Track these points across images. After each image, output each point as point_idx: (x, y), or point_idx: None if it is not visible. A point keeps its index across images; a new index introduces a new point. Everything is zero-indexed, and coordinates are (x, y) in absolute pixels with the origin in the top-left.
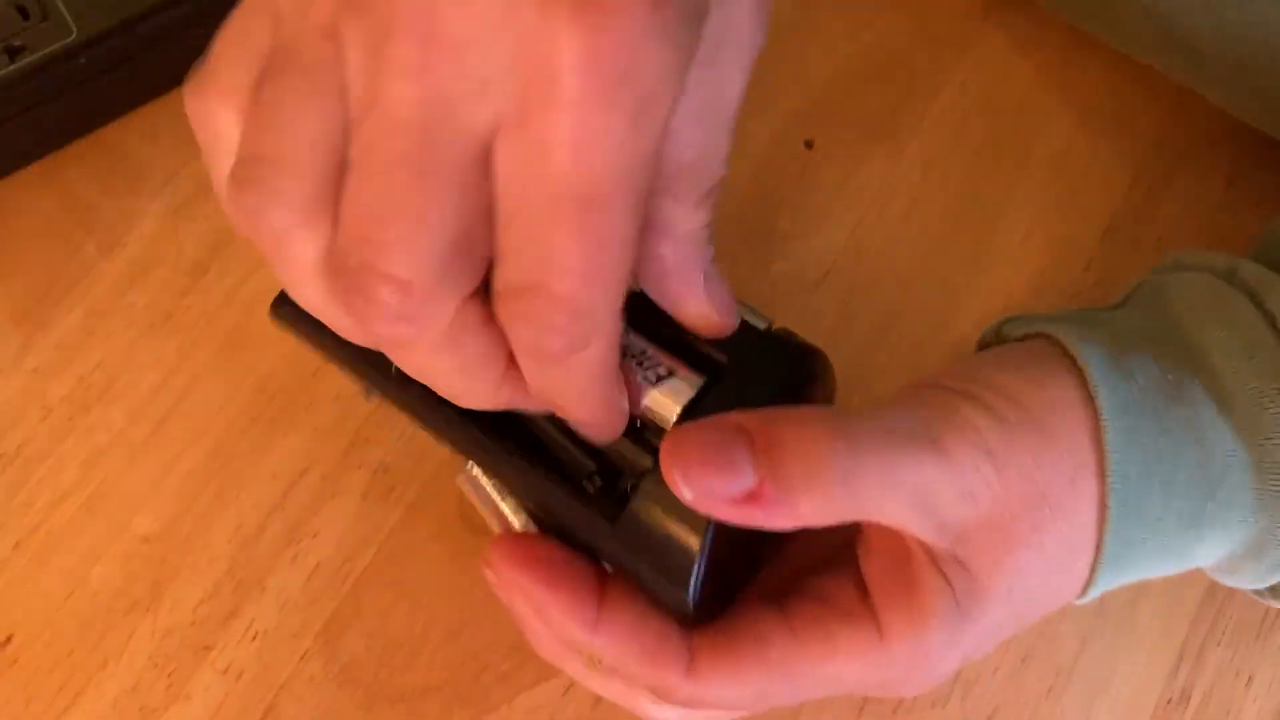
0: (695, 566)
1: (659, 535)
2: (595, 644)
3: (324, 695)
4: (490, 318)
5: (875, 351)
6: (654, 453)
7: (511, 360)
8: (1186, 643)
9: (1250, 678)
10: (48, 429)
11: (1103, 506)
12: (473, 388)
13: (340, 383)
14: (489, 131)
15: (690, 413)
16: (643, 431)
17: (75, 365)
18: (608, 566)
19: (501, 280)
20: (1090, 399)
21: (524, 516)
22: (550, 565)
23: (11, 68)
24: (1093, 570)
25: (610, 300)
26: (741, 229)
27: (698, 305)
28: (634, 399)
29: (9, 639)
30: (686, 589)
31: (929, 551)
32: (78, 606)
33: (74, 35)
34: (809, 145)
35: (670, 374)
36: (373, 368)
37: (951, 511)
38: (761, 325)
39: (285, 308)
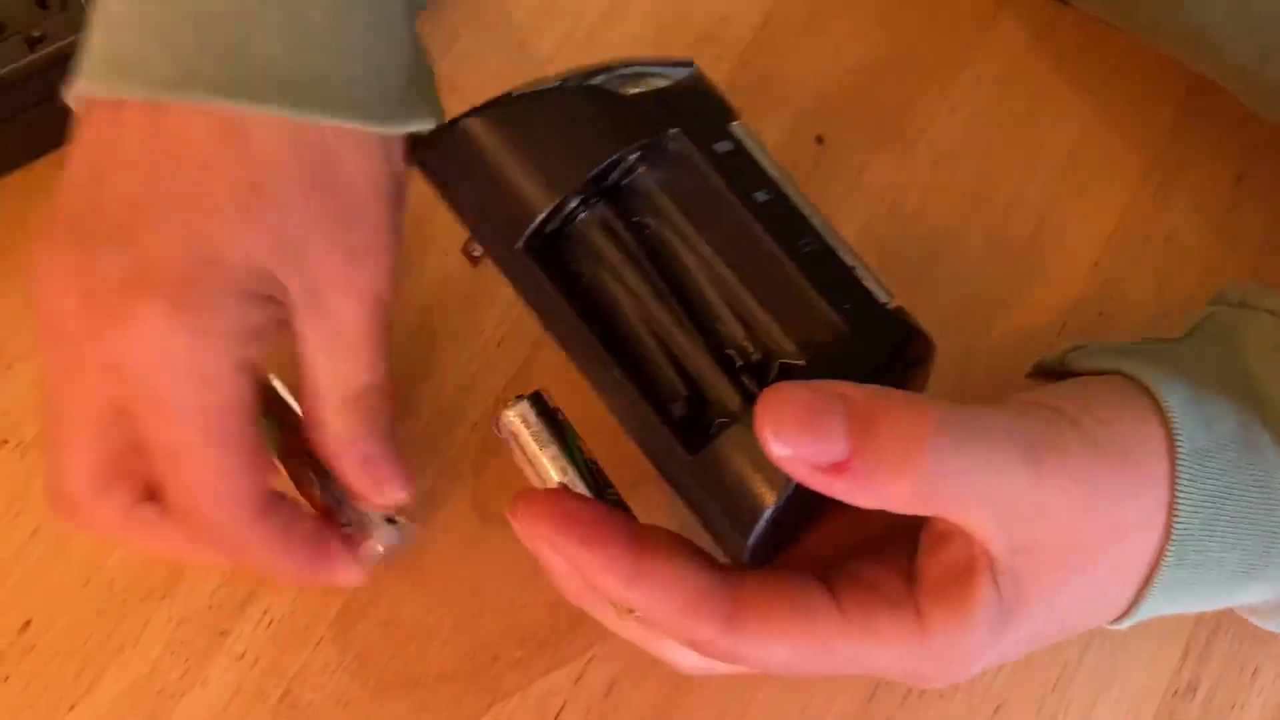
0: (762, 519)
1: (734, 480)
2: (632, 598)
3: (338, 682)
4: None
5: None
6: (744, 395)
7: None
8: (1193, 636)
9: (1256, 670)
10: None
11: (1161, 549)
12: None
13: None
14: None
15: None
16: (739, 371)
17: None
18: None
19: None
20: (1172, 444)
21: (560, 466)
22: (584, 522)
23: (31, 57)
24: (1135, 603)
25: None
26: None
27: (356, 482)
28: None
29: (27, 624)
30: (748, 538)
31: (991, 561)
32: (95, 593)
33: None
34: (820, 141)
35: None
36: (500, 238)
37: (1024, 526)
38: (882, 298)
39: (428, 156)
